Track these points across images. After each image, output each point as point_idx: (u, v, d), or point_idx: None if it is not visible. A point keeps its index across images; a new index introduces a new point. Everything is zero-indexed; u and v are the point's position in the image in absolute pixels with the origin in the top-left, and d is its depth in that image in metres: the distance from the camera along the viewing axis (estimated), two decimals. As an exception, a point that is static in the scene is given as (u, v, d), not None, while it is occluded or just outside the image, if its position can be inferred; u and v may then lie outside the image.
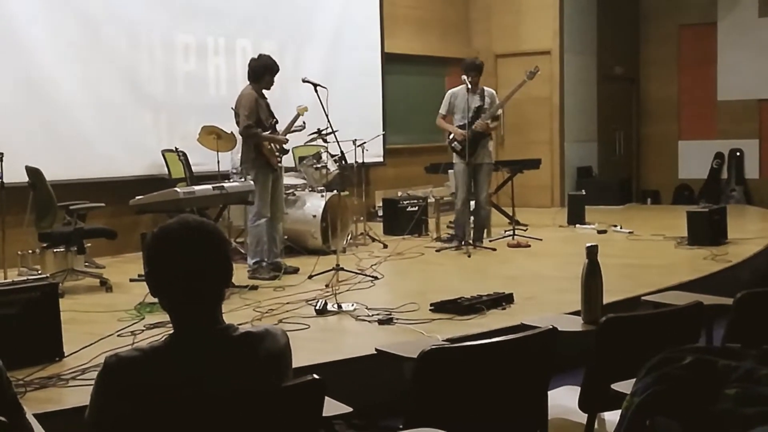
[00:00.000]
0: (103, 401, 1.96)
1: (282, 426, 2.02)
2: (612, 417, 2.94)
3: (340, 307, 5.54)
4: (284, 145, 7.21)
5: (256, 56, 7.13)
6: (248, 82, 7.05)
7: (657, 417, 1.75)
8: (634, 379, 1.91)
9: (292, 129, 7.46)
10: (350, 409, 2.35)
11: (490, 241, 8.46)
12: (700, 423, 1.73)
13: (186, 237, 2.00)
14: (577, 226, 9.84)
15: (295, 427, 2.05)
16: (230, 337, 2.03)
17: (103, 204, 7.15)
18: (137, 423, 1.91)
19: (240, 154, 7.21)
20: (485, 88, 8.39)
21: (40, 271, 6.46)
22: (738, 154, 13.30)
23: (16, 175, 6.57)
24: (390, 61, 11.36)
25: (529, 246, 8.48)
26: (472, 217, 8.42)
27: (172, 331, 2.05)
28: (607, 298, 3.42)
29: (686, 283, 6.09)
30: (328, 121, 7.12)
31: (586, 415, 2.79)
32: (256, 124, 6.91)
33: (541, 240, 8.74)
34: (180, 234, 2.00)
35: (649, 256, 7.73)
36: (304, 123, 7.53)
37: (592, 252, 3.22)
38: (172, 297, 2.02)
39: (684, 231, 8.31)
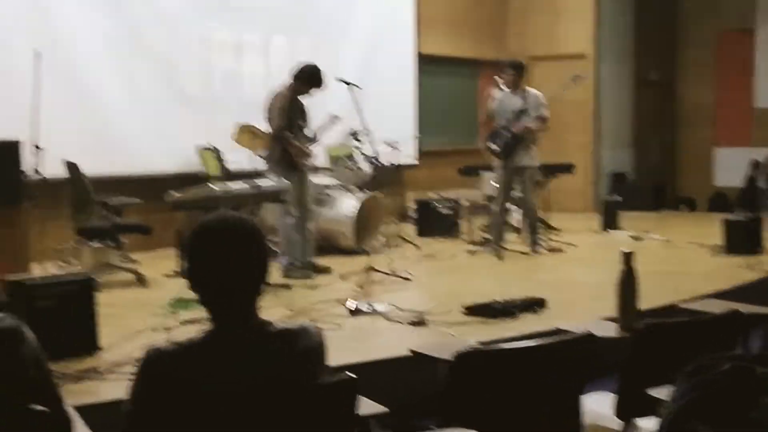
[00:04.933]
0: (142, 393, 1.98)
1: (316, 423, 2.03)
2: (646, 424, 2.91)
3: (372, 307, 5.55)
4: (311, 154, 7.17)
5: (311, 63, 7.07)
6: (288, 81, 7.03)
7: (695, 424, 1.74)
8: (671, 385, 1.89)
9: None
10: (386, 410, 2.36)
11: (528, 246, 8.39)
12: (736, 430, 1.72)
13: (226, 233, 2.02)
14: (611, 231, 9.77)
15: (330, 425, 2.06)
16: (267, 333, 2.05)
17: (138, 200, 7.22)
18: (174, 416, 1.93)
19: (267, 153, 7.21)
20: (528, 88, 8.23)
21: (76, 265, 6.55)
22: (775, 162, 13.11)
23: (54, 169, 6.65)
24: (424, 62, 11.35)
25: (563, 251, 8.43)
26: (507, 220, 8.34)
27: (209, 327, 2.07)
28: (643, 305, 3.39)
29: (722, 292, 6.02)
30: (362, 121, 7.12)
31: (621, 421, 2.76)
32: (288, 125, 6.91)
33: (575, 245, 8.68)
34: (220, 229, 2.02)
35: (684, 263, 7.66)
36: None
37: (628, 258, 3.20)
38: (211, 292, 2.04)
39: (719, 239, 8.23)
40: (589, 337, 2.58)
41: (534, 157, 8.18)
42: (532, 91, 8.21)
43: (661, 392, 2.26)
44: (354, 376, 2.05)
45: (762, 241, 8.20)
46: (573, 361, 2.61)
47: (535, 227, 8.30)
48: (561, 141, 12.26)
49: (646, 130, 13.53)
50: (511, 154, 7.92)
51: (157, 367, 1.96)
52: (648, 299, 3.35)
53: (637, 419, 2.88)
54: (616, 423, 2.80)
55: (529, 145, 8.12)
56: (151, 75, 8.44)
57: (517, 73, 8.06)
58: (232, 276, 2.01)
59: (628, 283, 3.18)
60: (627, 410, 2.72)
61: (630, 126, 13.22)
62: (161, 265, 7.16)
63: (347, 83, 7.12)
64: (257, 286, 2.07)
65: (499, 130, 8.03)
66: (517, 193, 8.32)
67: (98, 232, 6.73)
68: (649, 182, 13.07)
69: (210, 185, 6.41)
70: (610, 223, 9.92)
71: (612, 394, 2.91)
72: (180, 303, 5.67)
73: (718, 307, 3.64)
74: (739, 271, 7.13)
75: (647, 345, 2.74)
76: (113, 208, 6.81)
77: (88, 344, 4.44)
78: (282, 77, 7.15)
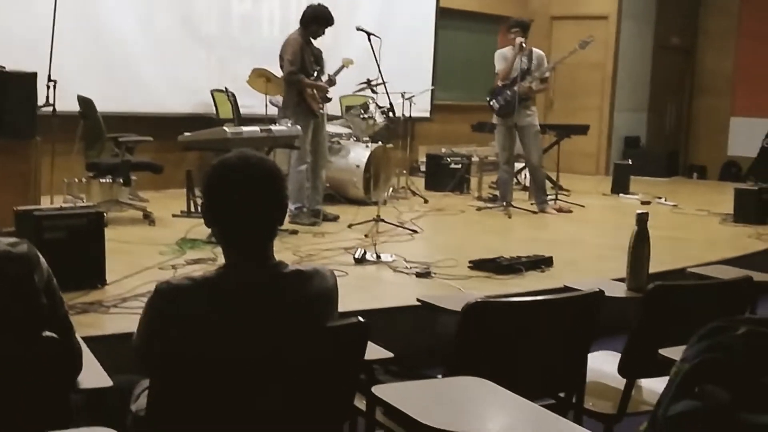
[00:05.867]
0: (153, 327, 1.99)
1: (326, 365, 2.04)
2: (649, 384, 2.92)
3: (378, 257, 5.56)
4: (327, 94, 7.16)
5: (316, 2, 7.05)
6: (299, 27, 7.00)
7: (706, 385, 1.73)
8: (683, 346, 1.88)
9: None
10: (391, 355, 2.36)
11: (533, 204, 8.38)
12: (750, 394, 1.70)
13: (246, 170, 2.00)
14: (621, 195, 9.74)
15: (339, 367, 2.06)
16: (281, 273, 2.04)
17: (150, 138, 7.20)
18: (184, 351, 1.93)
19: (282, 99, 7.18)
20: (534, 49, 8.18)
21: (85, 200, 6.55)
22: (790, 134, 13.03)
23: (67, 103, 6.62)
24: (444, 15, 11.23)
25: (571, 212, 8.41)
26: (517, 179, 8.32)
27: (223, 264, 2.07)
28: (651, 268, 3.38)
29: (728, 260, 6.01)
30: (380, 71, 7.07)
31: (624, 380, 2.77)
32: (300, 70, 6.87)
33: (583, 207, 8.67)
34: (240, 167, 2.01)
35: (692, 230, 7.64)
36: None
37: (642, 219, 3.18)
38: (227, 229, 2.03)
39: (729, 208, 8.20)
40: (599, 295, 2.58)
41: (534, 117, 8.19)
42: (537, 51, 8.20)
43: (672, 352, 2.26)
44: (364, 320, 2.04)
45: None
46: (581, 318, 2.61)
47: (542, 186, 8.29)
48: (576, 102, 12.19)
49: (662, 96, 13.42)
50: (511, 113, 7.89)
51: (168, 302, 1.96)
52: (655, 263, 3.34)
53: (641, 380, 2.89)
54: (619, 381, 2.81)
55: (530, 105, 8.13)
56: (169, 14, 8.37)
57: (523, 32, 8.01)
58: (250, 214, 2.00)
59: (640, 244, 3.17)
60: (632, 369, 2.72)
61: (647, 91, 13.10)
62: (170, 205, 7.16)
63: (367, 33, 7.04)
64: (273, 226, 2.06)
65: (502, 88, 8.01)
66: (521, 152, 8.32)
67: (109, 168, 6.73)
68: (663, 148, 13.00)
69: (222, 128, 6.38)
70: (620, 186, 9.90)
71: (616, 354, 2.92)
72: (188, 243, 5.69)
73: (727, 273, 3.63)
74: (747, 240, 7.12)
75: (657, 306, 2.74)
76: (125, 145, 6.78)
77: (95, 278, 4.45)
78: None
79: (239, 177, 2.00)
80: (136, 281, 4.54)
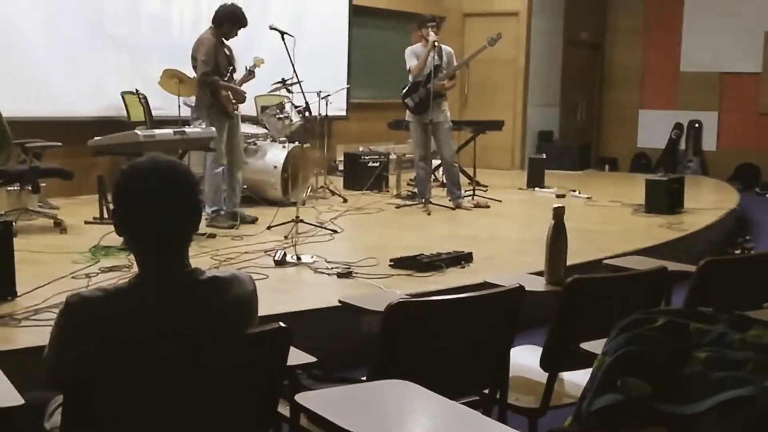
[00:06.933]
0: (64, 341, 1.91)
1: (247, 372, 1.99)
2: (571, 377, 2.96)
3: (299, 258, 5.51)
4: (243, 95, 7.06)
5: (229, 1, 6.95)
6: (211, 26, 6.89)
7: (627, 378, 1.75)
8: (604, 339, 1.90)
9: (248, 80, 7.28)
10: (314, 359, 2.33)
11: (450, 200, 8.43)
12: (670, 385, 1.73)
13: (157, 175, 1.94)
14: (537, 189, 9.89)
15: (261, 374, 2.02)
16: (197, 280, 1.99)
17: (59, 144, 7.00)
18: (98, 364, 1.86)
19: (195, 100, 7.06)
20: (443, 46, 8.26)
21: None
22: (697, 125, 13.44)
23: (-30, 109, 6.38)
24: (358, 13, 11.21)
25: (489, 207, 8.50)
26: (435, 176, 8.38)
27: (136, 272, 2.00)
28: (568, 261, 3.42)
29: (642, 250, 6.15)
30: (294, 70, 7.01)
31: (546, 374, 2.79)
32: (214, 71, 6.77)
33: (500, 201, 8.77)
34: (150, 171, 1.94)
35: (606, 221, 7.80)
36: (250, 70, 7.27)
37: (558, 213, 3.22)
38: (139, 237, 1.97)
39: (640, 199, 8.40)
40: (519, 291, 2.59)
41: (446, 113, 8.26)
42: (446, 48, 8.29)
43: (592, 346, 2.28)
44: (286, 326, 2.01)
45: (682, 201, 8.41)
46: (503, 313, 2.62)
47: (456, 182, 8.37)
48: (490, 98, 12.33)
49: (573, 90, 13.68)
50: (424, 110, 7.93)
51: (80, 314, 1.89)
52: (572, 255, 3.38)
53: (562, 373, 2.93)
54: (541, 375, 2.83)
55: (441, 102, 8.20)
56: (76, 15, 8.13)
57: (438, 28, 8.07)
58: (162, 220, 1.94)
59: (558, 238, 3.20)
60: (553, 363, 2.75)
61: (558, 85, 13.34)
62: (82, 212, 6.98)
63: (280, 32, 6.98)
64: (187, 232, 2.01)
65: (415, 86, 8.06)
66: (435, 149, 8.39)
67: (16, 175, 6.50)
68: (575, 142, 13.26)
69: (134, 131, 6.25)
70: (535, 180, 10.05)
71: (537, 348, 2.94)
72: (101, 250, 5.55)
73: (642, 263, 3.70)
74: (659, 230, 7.30)
75: (576, 299, 2.77)
76: (33, 152, 6.57)
77: (5, 290, 4.29)
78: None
79: (150, 182, 1.94)
80: (49, 292, 4.40)
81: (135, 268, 2.02)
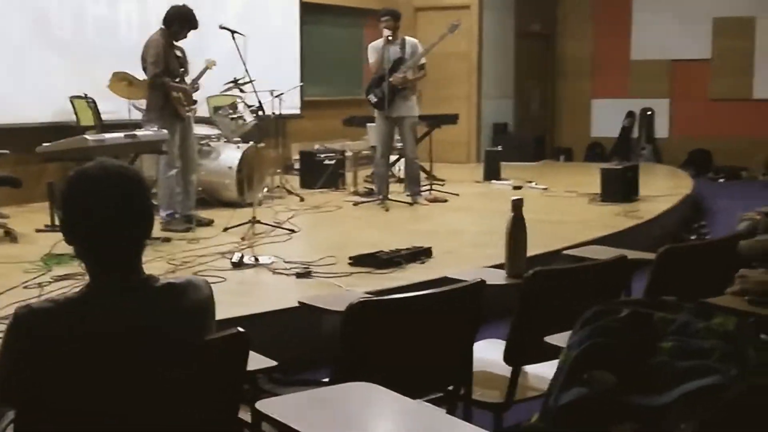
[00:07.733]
0: (14, 355, 1.84)
1: (206, 380, 1.94)
2: (534, 370, 2.94)
3: (257, 260, 5.44)
4: (193, 97, 6.97)
5: (180, 3, 6.83)
6: (161, 27, 6.78)
7: (593, 371, 1.72)
8: (569, 332, 1.88)
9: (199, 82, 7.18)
10: (274, 363, 2.28)
11: (407, 195, 8.40)
12: (635, 376, 1.71)
13: (105, 181, 1.87)
14: (493, 181, 9.90)
15: (220, 381, 1.97)
16: (151, 287, 1.92)
17: (7, 151, 6.85)
18: (50, 378, 1.79)
19: (146, 102, 6.94)
20: (407, 38, 8.19)
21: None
22: (649, 113, 13.58)
23: None
24: (308, 10, 11.13)
25: (447, 201, 8.49)
26: (392, 171, 8.34)
27: (86, 282, 1.94)
28: (528, 252, 3.41)
29: (600, 239, 6.19)
30: (246, 70, 6.94)
31: (510, 367, 2.77)
32: (164, 72, 6.66)
33: (458, 195, 8.77)
34: (99, 177, 1.88)
35: (563, 212, 7.83)
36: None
37: (517, 206, 3.20)
38: (89, 245, 1.90)
39: (596, 188, 8.45)
40: (480, 285, 2.57)
41: (413, 107, 8.18)
42: (410, 39, 8.20)
43: (556, 339, 2.26)
44: (244, 331, 1.95)
45: (637, 189, 8.48)
46: (464, 308, 2.59)
47: (416, 178, 8.34)
48: (445, 92, 12.32)
49: (526, 82, 13.74)
50: (389, 105, 7.88)
51: (29, 327, 1.81)
52: (531, 246, 3.36)
53: (526, 366, 2.91)
54: (505, 369, 2.81)
55: (408, 95, 8.10)
56: (19, 18, 7.95)
57: (395, 21, 8.00)
58: (113, 227, 1.87)
59: (517, 231, 3.19)
60: (517, 357, 2.73)
61: (511, 77, 13.39)
62: (33, 220, 6.83)
63: (231, 31, 6.90)
64: (140, 238, 1.94)
65: (378, 81, 8.00)
66: (397, 144, 8.34)
67: (-37, 185, 6.35)
68: (530, 133, 13.32)
69: (84, 136, 6.13)
70: (492, 173, 10.06)
71: (500, 342, 2.92)
72: (53, 258, 5.44)
73: (601, 253, 3.71)
74: (616, 218, 7.36)
75: (537, 291, 2.75)
76: (-21, 160, 6.42)
77: (-46, 303, 4.18)
78: (159, 24, 6.86)
79: (98, 188, 1.87)
80: (0, 303, 4.28)
81: (88, 277, 1.95)
